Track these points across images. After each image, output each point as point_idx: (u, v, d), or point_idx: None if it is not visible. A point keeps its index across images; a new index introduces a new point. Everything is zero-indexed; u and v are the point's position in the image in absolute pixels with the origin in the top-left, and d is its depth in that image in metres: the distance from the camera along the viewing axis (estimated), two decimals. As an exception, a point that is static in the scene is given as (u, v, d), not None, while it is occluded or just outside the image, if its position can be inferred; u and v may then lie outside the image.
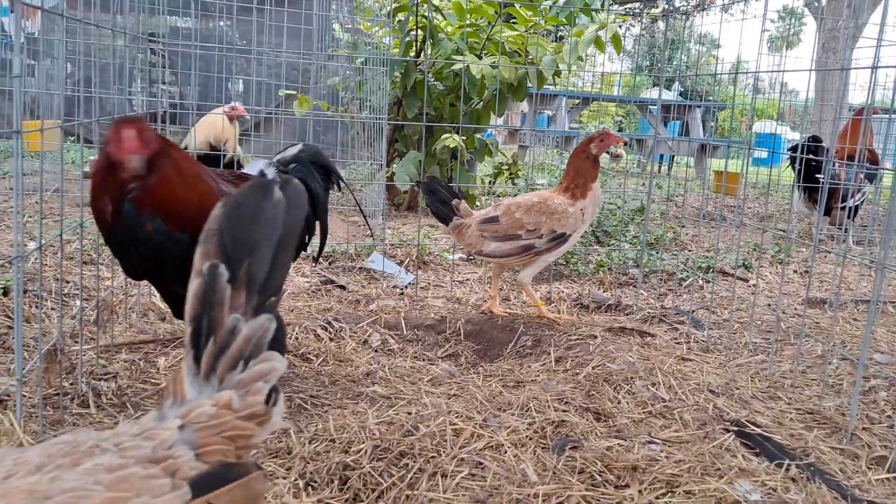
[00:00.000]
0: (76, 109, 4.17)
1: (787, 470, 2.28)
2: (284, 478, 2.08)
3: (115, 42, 4.08)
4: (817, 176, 5.95)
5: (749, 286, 4.65)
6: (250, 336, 1.30)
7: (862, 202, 6.27)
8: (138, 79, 7.07)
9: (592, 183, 3.71)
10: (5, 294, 3.32)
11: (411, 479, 2.11)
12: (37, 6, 2.66)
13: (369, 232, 5.79)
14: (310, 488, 2.04)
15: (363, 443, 2.26)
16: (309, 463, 2.15)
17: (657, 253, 5.11)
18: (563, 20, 6.00)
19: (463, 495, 2.05)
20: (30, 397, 2.45)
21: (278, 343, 1.35)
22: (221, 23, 12.02)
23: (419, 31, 6.23)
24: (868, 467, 2.40)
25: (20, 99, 2.02)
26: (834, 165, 6.07)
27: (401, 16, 6.24)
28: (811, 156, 5.74)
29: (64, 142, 6.87)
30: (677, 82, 13.97)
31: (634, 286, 4.47)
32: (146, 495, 1.10)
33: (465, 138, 6.58)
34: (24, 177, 2.18)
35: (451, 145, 5.88)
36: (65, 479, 1.07)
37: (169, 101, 9.18)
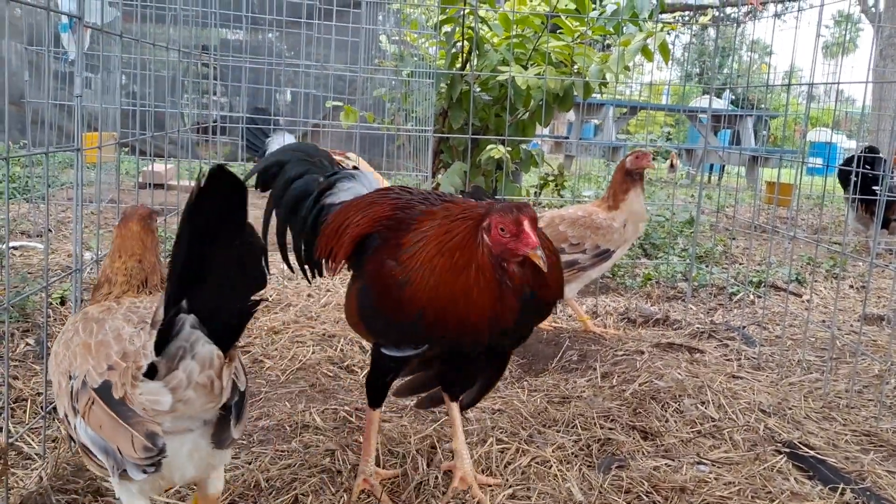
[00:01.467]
0: (130, 122, 4.30)
1: (843, 494, 2.21)
2: (333, 494, 2.09)
3: (169, 56, 4.20)
4: (874, 188, 5.78)
5: (803, 301, 4.52)
6: None
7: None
8: (189, 90, 7.25)
9: (625, 195, 3.69)
10: (62, 304, 3.43)
11: (459, 497, 2.10)
12: (94, 27, 2.75)
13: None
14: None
15: (409, 455, 2.27)
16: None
17: (707, 266, 5.02)
18: (611, 30, 5.95)
19: (508, 513, 2.04)
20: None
21: None
22: (270, 35, 12.27)
23: (465, 43, 6.25)
24: (929, 494, 2.31)
25: (80, 118, 2.09)
26: (893, 176, 5.89)
27: (447, 27, 6.27)
28: (867, 167, 5.57)
29: (119, 153, 7.08)
30: (728, 90, 13.71)
31: (683, 300, 4.39)
32: None
33: (510, 149, 6.57)
34: (81, 188, 2.26)
35: (496, 156, 5.87)
36: None
37: (220, 114, 9.40)
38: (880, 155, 5.88)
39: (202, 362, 1.37)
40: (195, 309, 1.32)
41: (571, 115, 13.90)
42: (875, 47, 10.60)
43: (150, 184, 6.66)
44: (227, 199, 1.28)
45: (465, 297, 1.82)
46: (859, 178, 5.76)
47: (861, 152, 5.99)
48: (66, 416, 1.53)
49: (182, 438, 1.47)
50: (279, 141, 5.82)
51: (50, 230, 4.96)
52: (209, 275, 1.31)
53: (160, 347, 1.34)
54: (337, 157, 5.38)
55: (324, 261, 2.26)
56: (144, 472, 1.40)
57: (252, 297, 1.36)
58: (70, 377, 1.53)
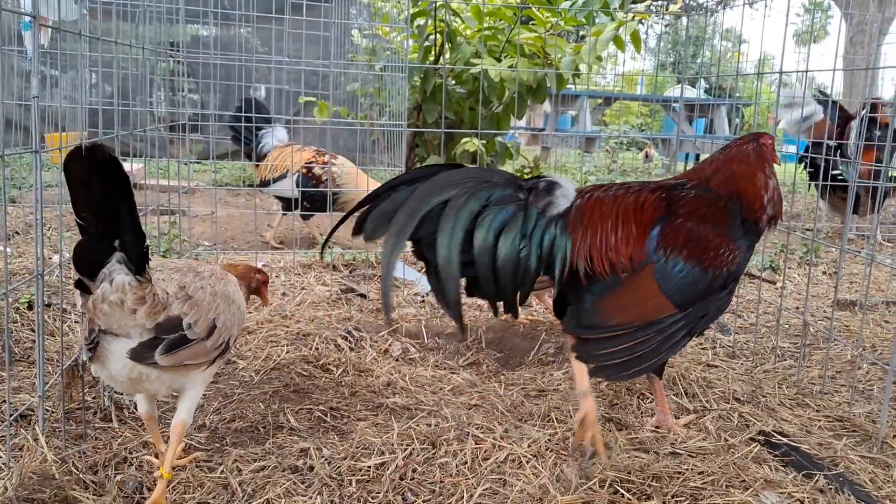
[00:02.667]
0: (99, 120, 4.22)
1: (816, 481, 2.22)
2: (304, 495, 2.07)
3: (135, 53, 4.13)
4: (833, 173, 5.84)
5: (777, 289, 4.56)
6: None
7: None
8: (162, 88, 7.14)
9: None
10: (30, 308, 3.37)
11: (434, 500, 2.09)
12: (51, 25, 2.69)
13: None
14: None
15: (384, 461, 2.25)
16: (328, 487, 2.13)
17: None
18: (583, 20, 5.95)
19: (483, 510, 2.03)
20: (53, 412, 2.47)
21: None
22: (242, 30, 12.13)
23: (438, 36, 6.22)
24: (900, 477, 2.33)
25: (37, 119, 2.04)
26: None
27: (419, 20, 6.24)
28: (819, 156, 5.63)
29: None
30: (702, 80, 13.80)
31: (658, 290, 4.41)
32: None
33: (485, 142, 6.56)
34: (46, 188, 2.20)
35: (471, 149, 5.86)
36: None
37: (191, 112, 9.28)
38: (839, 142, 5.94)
39: (116, 286, 1.85)
40: (124, 248, 1.82)
41: (548, 107, 13.93)
42: (845, 35, 10.73)
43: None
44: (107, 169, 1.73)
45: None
46: (827, 165, 5.82)
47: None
48: None
49: (116, 341, 1.96)
50: (273, 135, 5.73)
51: (17, 233, 4.87)
52: (122, 223, 1.80)
53: (92, 273, 1.84)
54: (324, 159, 5.33)
55: (611, 266, 2.12)
56: (89, 353, 1.97)
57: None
58: None
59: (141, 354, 1.95)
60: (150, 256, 1.89)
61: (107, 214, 1.77)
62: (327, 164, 5.32)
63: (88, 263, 1.84)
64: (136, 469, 2.22)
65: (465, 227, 2.08)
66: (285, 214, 5.50)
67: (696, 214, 2.13)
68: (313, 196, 5.26)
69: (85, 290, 1.88)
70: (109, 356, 1.97)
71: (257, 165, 5.68)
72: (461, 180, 2.12)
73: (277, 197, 5.55)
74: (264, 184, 5.46)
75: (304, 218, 5.52)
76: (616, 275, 2.09)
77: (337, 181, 5.31)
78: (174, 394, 2.19)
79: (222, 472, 2.18)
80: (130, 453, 2.30)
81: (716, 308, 2.19)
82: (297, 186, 5.27)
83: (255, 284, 2.57)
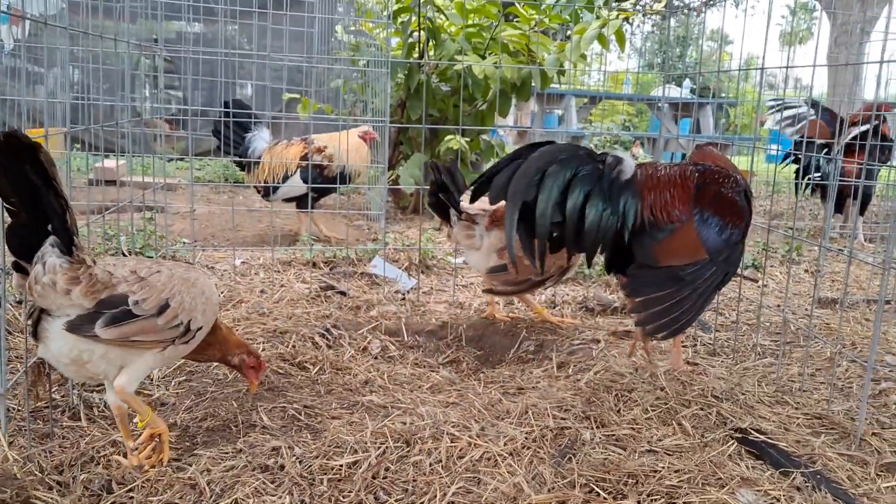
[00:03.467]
0: (80, 116, 4.16)
1: (793, 478, 2.20)
2: (273, 494, 2.03)
3: (118, 49, 4.07)
4: (816, 175, 5.87)
5: (759, 287, 4.55)
6: None
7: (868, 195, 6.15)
8: (146, 84, 7.06)
9: None
10: None
11: (406, 499, 2.05)
12: (25, 16, 2.64)
13: (373, 236, 5.75)
14: None
15: (357, 460, 2.21)
16: (298, 486, 2.09)
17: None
18: (567, 18, 5.92)
19: (456, 510, 2.00)
20: (18, 411, 2.42)
21: None
22: (229, 27, 12.03)
23: (421, 33, 6.18)
24: (877, 474, 2.32)
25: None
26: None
27: (403, 17, 6.19)
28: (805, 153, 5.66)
29: (71, 149, 6.88)
30: (688, 79, 13.82)
31: (640, 288, 4.39)
32: None
33: (469, 140, 6.52)
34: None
35: (455, 147, 5.82)
36: None
37: (176, 107, 9.20)
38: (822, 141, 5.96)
39: (49, 268, 1.96)
40: (55, 232, 1.95)
41: (534, 106, 13.90)
42: (828, 34, 10.77)
43: (100, 180, 6.48)
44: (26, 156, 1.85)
45: None
46: (809, 164, 5.84)
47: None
48: None
49: (55, 321, 2.04)
50: (261, 137, 5.64)
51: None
52: (49, 208, 1.92)
53: (28, 256, 1.96)
54: (315, 147, 5.29)
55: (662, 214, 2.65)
56: (34, 332, 2.09)
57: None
58: None
59: (78, 326, 2.01)
60: (76, 240, 1.99)
61: (33, 199, 1.89)
62: (319, 150, 5.34)
63: (19, 247, 1.96)
64: (104, 468, 2.17)
65: (560, 190, 2.56)
66: (304, 212, 5.49)
67: (719, 183, 2.70)
68: (321, 183, 5.27)
69: (23, 272, 1.99)
70: (49, 335, 2.05)
71: (247, 171, 5.63)
72: (556, 154, 2.60)
73: (286, 199, 5.52)
74: (269, 192, 5.39)
75: (308, 205, 5.49)
76: (671, 223, 2.62)
77: (336, 161, 5.32)
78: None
79: (192, 472, 2.13)
80: (98, 452, 2.25)
81: (734, 259, 2.68)
82: (307, 182, 5.28)
83: (238, 362, 2.48)
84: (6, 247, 1.98)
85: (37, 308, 2.05)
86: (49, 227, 1.94)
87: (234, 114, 5.44)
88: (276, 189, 5.36)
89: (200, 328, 2.25)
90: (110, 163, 7.39)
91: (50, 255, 1.96)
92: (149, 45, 6.02)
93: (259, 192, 5.61)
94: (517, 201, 2.52)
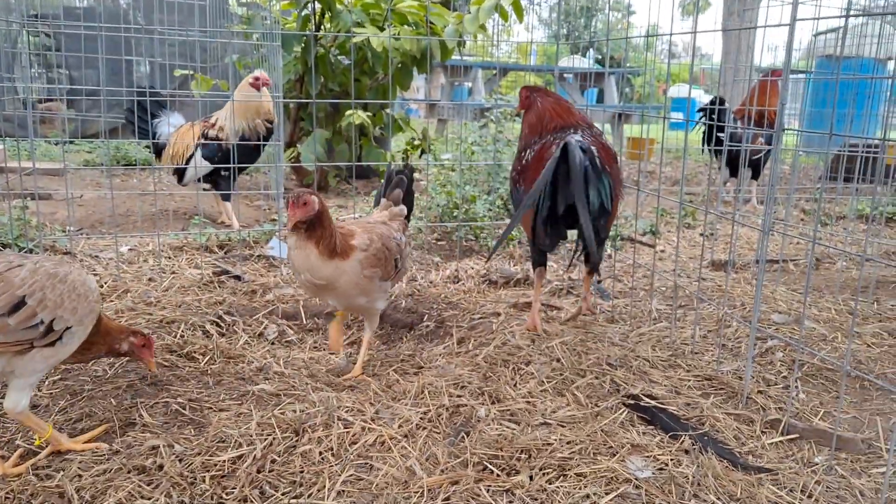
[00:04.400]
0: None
1: (681, 441, 2.24)
2: (148, 497, 1.90)
3: None
4: (719, 136, 6.03)
5: (657, 252, 4.65)
6: None
7: (763, 161, 6.38)
8: (32, 64, 6.57)
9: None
10: None
11: (294, 492, 1.97)
12: None
13: (273, 217, 5.56)
14: (176, 505, 1.88)
15: (241, 454, 2.10)
16: (177, 486, 1.97)
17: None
18: (466, -12, 5.84)
19: (346, 501, 1.93)
20: None
21: None
22: (122, 1, 11.38)
23: (317, 4, 5.97)
24: (762, 431, 2.39)
25: None
26: (737, 127, 6.16)
27: (297, -12, 5.97)
28: (714, 118, 5.81)
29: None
30: (592, 49, 14.01)
31: (543, 258, 4.41)
32: None
33: (372, 114, 6.38)
34: None
35: (357, 122, 5.68)
36: None
37: (64, 87, 8.63)
38: (726, 106, 6.12)
39: None
40: None
41: (442, 79, 13.80)
42: (723, 5, 11.09)
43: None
44: None
45: None
46: (711, 130, 6.00)
47: (708, 104, 6.23)
48: None
49: None
50: (169, 122, 5.32)
51: None
52: None
53: None
54: (212, 122, 4.99)
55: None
56: None
57: None
58: None
59: None
60: None
61: None
62: (211, 125, 5.05)
63: None
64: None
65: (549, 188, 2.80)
66: (221, 194, 5.16)
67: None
68: (226, 159, 4.92)
69: None
70: None
71: (158, 157, 5.30)
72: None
73: (205, 180, 5.20)
74: (181, 176, 5.09)
75: (225, 198, 5.19)
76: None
77: (226, 128, 5.01)
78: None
79: (60, 479, 1.98)
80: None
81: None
82: (210, 160, 4.98)
83: (128, 348, 2.35)
84: None
85: None
86: None
87: (140, 99, 5.14)
88: (182, 174, 5.10)
89: (69, 328, 2.06)
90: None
91: None
92: (34, 20, 5.60)
93: (176, 177, 5.32)
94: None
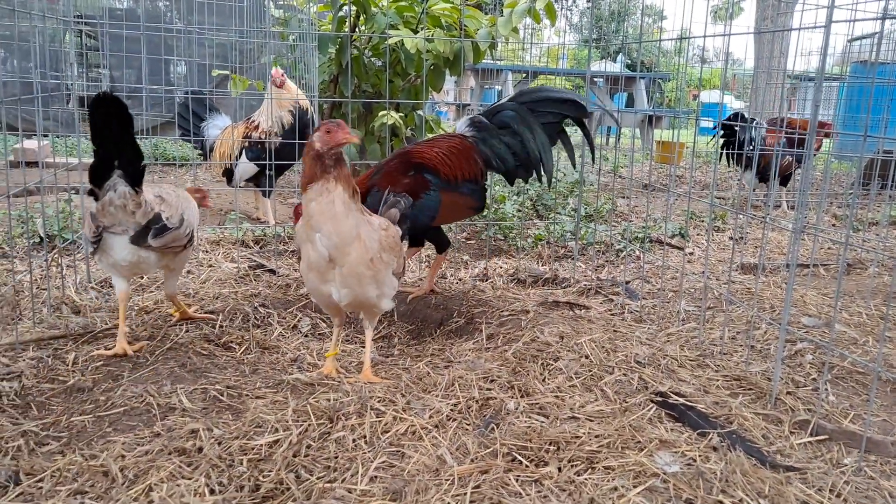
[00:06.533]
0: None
1: (710, 439, 2.26)
2: (189, 477, 1.98)
3: (41, 24, 3.86)
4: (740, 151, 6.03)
5: (686, 255, 4.66)
6: None
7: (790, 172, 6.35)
8: (74, 63, 6.76)
9: (306, 193, 2.48)
10: None
11: (328, 476, 2.03)
12: None
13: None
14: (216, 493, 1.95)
15: (278, 439, 2.17)
16: (216, 468, 2.05)
17: (594, 225, 5.09)
18: (499, -9, 5.89)
19: (379, 487, 1.98)
20: (-81, 402, 2.30)
21: None
22: (159, 3, 11.60)
23: (351, 6, 6.06)
24: (791, 432, 2.40)
25: None
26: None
27: (332, -10, 6.05)
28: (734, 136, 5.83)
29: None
30: (622, 54, 13.97)
31: (572, 259, 4.44)
32: None
33: (404, 115, 6.45)
34: None
35: (389, 122, 5.75)
36: None
37: (109, 85, 8.84)
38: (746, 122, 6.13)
39: (120, 194, 2.62)
40: (121, 167, 2.59)
41: (473, 82, 13.87)
42: (756, 9, 11.00)
43: (21, 162, 6.21)
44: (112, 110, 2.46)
45: None
46: (740, 138, 5.99)
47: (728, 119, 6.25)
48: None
49: (117, 236, 2.72)
50: (214, 125, 5.54)
51: None
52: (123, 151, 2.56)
53: (99, 184, 2.61)
54: (254, 123, 5.14)
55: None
56: (93, 247, 2.74)
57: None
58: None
59: (139, 240, 2.70)
60: (143, 176, 2.64)
61: (108, 144, 2.53)
62: (255, 126, 5.24)
63: (95, 178, 2.59)
64: (13, 458, 2.09)
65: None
66: (262, 191, 5.36)
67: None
68: (263, 157, 5.10)
69: (95, 197, 2.64)
70: (114, 247, 2.72)
71: (205, 159, 5.54)
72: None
73: (249, 181, 5.41)
74: (230, 178, 5.31)
75: (265, 195, 5.37)
76: None
77: (264, 127, 5.21)
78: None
79: (104, 458, 2.06)
80: (7, 443, 2.16)
81: None
82: (254, 161, 5.17)
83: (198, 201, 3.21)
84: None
85: (101, 226, 2.67)
86: (116, 163, 2.57)
87: (191, 103, 5.37)
88: (232, 174, 5.31)
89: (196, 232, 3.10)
90: (32, 143, 7.08)
91: (120, 185, 2.60)
92: (78, 21, 5.79)
93: (225, 179, 5.53)
94: None
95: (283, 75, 5.18)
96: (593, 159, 3.63)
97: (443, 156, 3.49)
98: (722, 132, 6.30)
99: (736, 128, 6.04)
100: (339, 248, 2.46)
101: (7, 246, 4.01)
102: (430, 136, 3.65)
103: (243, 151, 5.19)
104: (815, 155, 6.96)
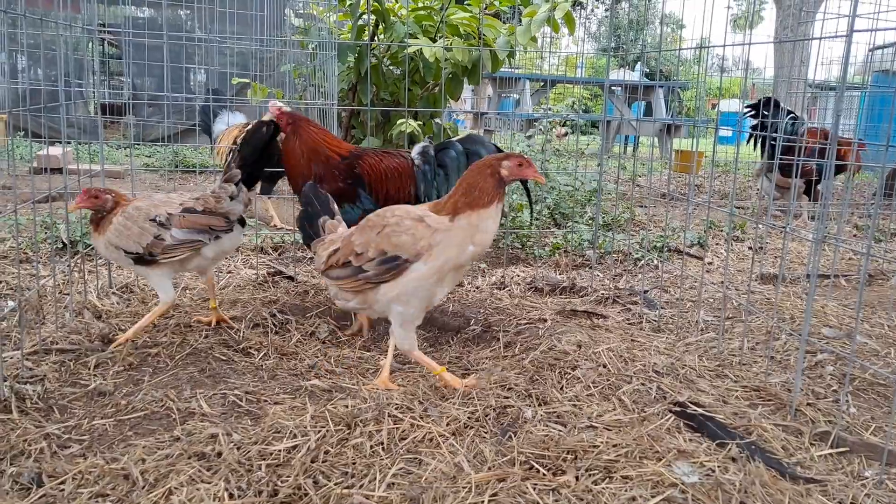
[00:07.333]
0: (25, 102, 4.02)
1: (728, 449, 2.25)
2: (208, 482, 1.99)
3: (65, 33, 3.94)
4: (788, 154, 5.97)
5: (705, 264, 4.63)
6: None
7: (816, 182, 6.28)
8: (97, 71, 6.87)
9: (483, 209, 2.51)
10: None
11: (346, 482, 2.03)
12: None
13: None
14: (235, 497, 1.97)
15: (296, 444, 2.18)
16: (235, 472, 2.06)
17: (612, 234, 5.08)
18: (517, 0, 5.92)
19: (396, 493, 1.99)
20: (-55, 404, 2.34)
21: None
22: (179, 11, 11.73)
23: (371, 16, 6.11)
24: (811, 443, 2.38)
25: None
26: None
27: (351, -1, 6.11)
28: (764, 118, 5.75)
29: (13, 136, 6.63)
30: (640, 63, 13.95)
31: (590, 268, 4.43)
32: None
33: (422, 123, 6.48)
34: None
35: (407, 130, 5.78)
36: None
37: (129, 93, 8.97)
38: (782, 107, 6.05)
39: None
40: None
41: (490, 91, 13.90)
42: (776, 18, 10.94)
43: (45, 168, 6.30)
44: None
45: None
46: (777, 142, 5.94)
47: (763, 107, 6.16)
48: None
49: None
50: (225, 121, 5.63)
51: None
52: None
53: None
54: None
55: None
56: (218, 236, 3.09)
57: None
58: None
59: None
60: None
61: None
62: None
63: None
64: (35, 461, 2.12)
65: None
66: (270, 197, 5.44)
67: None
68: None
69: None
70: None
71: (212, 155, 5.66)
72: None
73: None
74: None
75: (264, 192, 5.46)
76: None
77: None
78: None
79: (125, 462, 2.08)
80: (29, 445, 2.19)
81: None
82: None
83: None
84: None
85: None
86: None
87: (213, 98, 5.49)
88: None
89: None
90: (55, 150, 7.19)
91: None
92: (100, 30, 5.91)
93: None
94: None
95: (279, 109, 5.24)
96: (532, 214, 3.51)
97: (384, 177, 3.47)
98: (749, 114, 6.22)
99: (766, 113, 5.95)
100: (476, 255, 2.61)
101: (31, 251, 4.07)
102: (391, 150, 3.57)
103: (231, 152, 5.26)
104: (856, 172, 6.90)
